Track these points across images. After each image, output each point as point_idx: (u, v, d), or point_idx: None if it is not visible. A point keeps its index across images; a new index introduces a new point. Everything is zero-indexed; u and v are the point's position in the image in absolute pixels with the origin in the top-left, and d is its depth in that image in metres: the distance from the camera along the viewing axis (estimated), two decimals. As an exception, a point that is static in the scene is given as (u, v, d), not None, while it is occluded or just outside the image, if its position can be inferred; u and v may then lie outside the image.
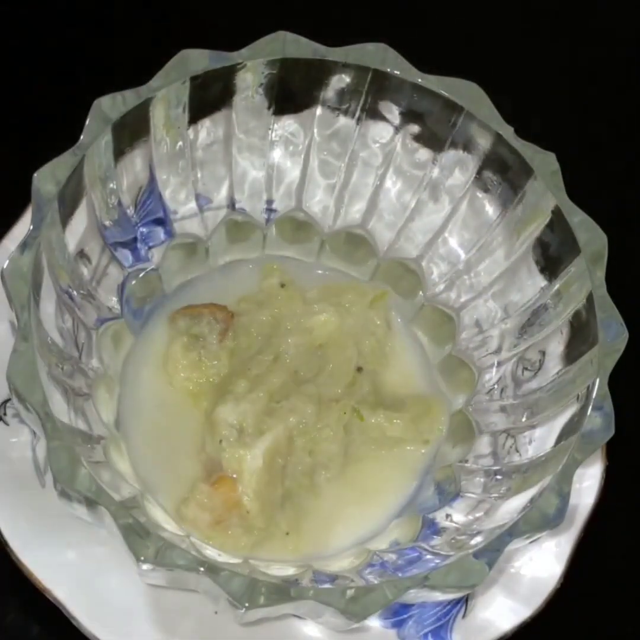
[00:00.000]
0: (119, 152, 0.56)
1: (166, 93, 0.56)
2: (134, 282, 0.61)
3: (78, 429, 0.52)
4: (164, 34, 0.79)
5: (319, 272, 0.67)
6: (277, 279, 0.64)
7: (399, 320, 0.65)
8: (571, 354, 0.55)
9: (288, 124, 0.62)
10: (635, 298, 0.62)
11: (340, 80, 0.59)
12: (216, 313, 0.61)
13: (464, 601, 0.56)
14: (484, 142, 0.59)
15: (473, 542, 0.51)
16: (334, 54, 0.58)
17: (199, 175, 0.62)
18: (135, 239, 0.61)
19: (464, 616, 0.56)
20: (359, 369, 0.62)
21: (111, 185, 0.57)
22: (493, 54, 0.83)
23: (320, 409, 0.59)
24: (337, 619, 0.47)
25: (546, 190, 0.56)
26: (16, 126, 0.74)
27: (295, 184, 0.64)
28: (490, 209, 0.61)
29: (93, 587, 0.54)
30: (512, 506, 0.51)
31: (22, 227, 0.58)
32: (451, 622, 0.55)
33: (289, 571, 0.54)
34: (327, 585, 0.53)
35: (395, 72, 0.58)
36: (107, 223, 0.58)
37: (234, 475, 0.56)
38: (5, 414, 0.57)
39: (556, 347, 0.57)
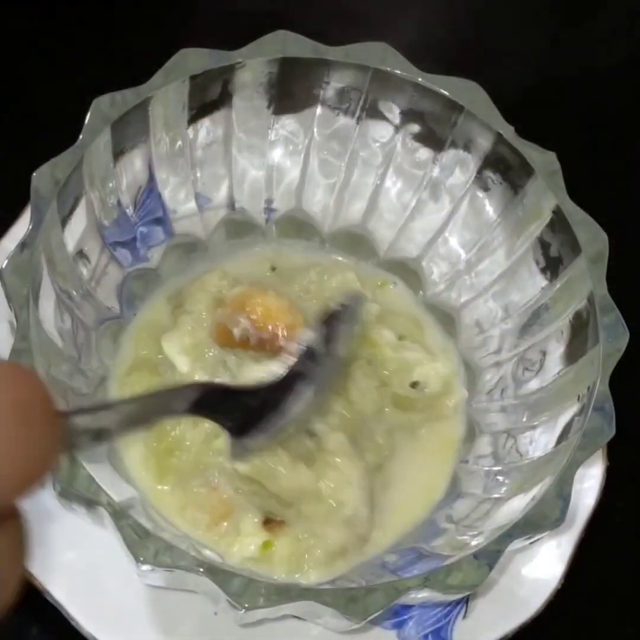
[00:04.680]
0: (118, 152, 0.56)
1: (165, 92, 0.56)
2: (133, 281, 0.61)
3: (77, 430, 0.51)
4: (164, 34, 0.79)
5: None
6: (269, 262, 0.64)
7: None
8: (572, 354, 0.55)
9: (288, 123, 0.62)
10: (636, 298, 0.61)
11: (340, 80, 0.59)
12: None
13: (465, 602, 0.56)
14: (484, 142, 0.59)
15: (474, 542, 0.50)
16: (334, 53, 0.58)
17: (198, 174, 0.62)
18: (134, 239, 0.61)
19: (464, 617, 0.55)
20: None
21: (110, 184, 0.57)
22: (493, 53, 0.83)
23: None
24: (337, 620, 0.47)
25: (547, 189, 0.56)
26: (15, 126, 0.73)
27: (295, 184, 0.64)
28: (490, 209, 0.61)
29: (92, 587, 0.54)
30: (513, 507, 0.51)
31: (21, 226, 0.58)
32: (452, 623, 0.55)
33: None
34: (327, 586, 0.53)
35: (396, 71, 0.58)
36: (106, 223, 0.58)
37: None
38: (4, 414, 0.57)
39: (557, 347, 0.57)
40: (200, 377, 0.58)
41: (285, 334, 0.58)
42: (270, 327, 0.58)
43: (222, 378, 0.57)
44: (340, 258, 0.66)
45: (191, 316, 0.60)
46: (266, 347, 0.58)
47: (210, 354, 0.59)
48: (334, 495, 0.54)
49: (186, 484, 0.57)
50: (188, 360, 0.58)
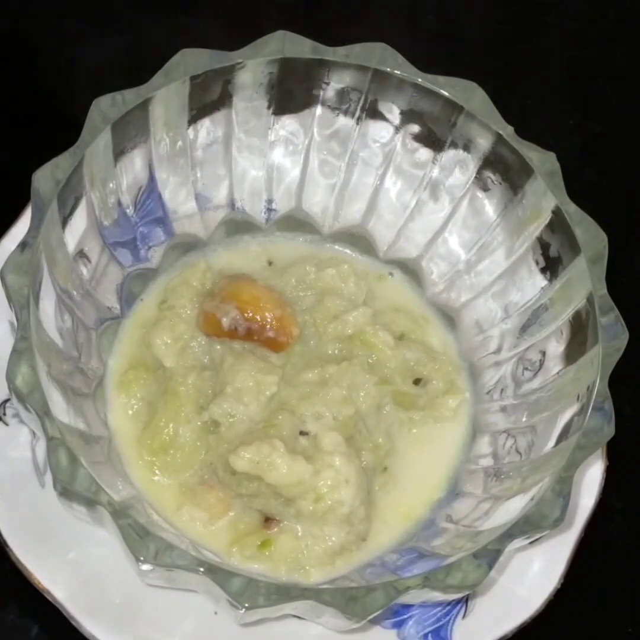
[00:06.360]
0: (119, 152, 0.56)
1: (166, 93, 0.56)
2: (133, 281, 0.61)
3: (77, 429, 0.51)
4: (164, 34, 0.79)
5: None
6: (266, 257, 0.65)
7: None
8: (571, 354, 0.55)
9: (288, 123, 0.62)
10: (635, 298, 0.62)
11: (340, 80, 0.59)
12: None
13: (464, 601, 0.56)
14: (484, 142, 0.59)
15: (473, 542, 0.50)
16: (334, 53, 0.58)
17: (198, 175, 0.62)
18: (134, 239, 0.61)
19: (464, 616, 0.56)
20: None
21: (111, 185, 0.57)
22: (493, 54, 0.83)
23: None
24: (337, 619, 0.47)
25: (546, 190, 0.56)
26: (15, 126, 0.74)
27: (295, 184, 0.64)
28: (490, 209, 0.61)
29: (92, 587, 0.54)
30: (513, 506, 0.51)
31: (22, 226, 0.58)
32: (451, 623, 0.55)
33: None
34: (327, 585, 0.53)
35: (395, 71, 0.58)
36: (106, 223, 0.58)
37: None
38: (4, 414, 0.57)
39: (556, 347, 0.57)
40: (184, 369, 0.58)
41: (274, 324, 0.59)
42: (258, 317, 0.59)
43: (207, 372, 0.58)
44: (337, 247, 0.66)
45: (173, 310, 0.60)
46: (254, 337, 0.59)
47: (196, 345, 0.59)
48: (331, 494, 0.54)
49: (183, 482, 0.57)
50: (171, 354, 0.59)
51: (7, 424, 0.57)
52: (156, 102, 0.56)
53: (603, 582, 0.63)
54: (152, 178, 0.60)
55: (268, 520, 0.56)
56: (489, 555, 0.47)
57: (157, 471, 0.57)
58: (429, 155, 0.62)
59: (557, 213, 0.56)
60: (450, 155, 0.61)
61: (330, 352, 0.60)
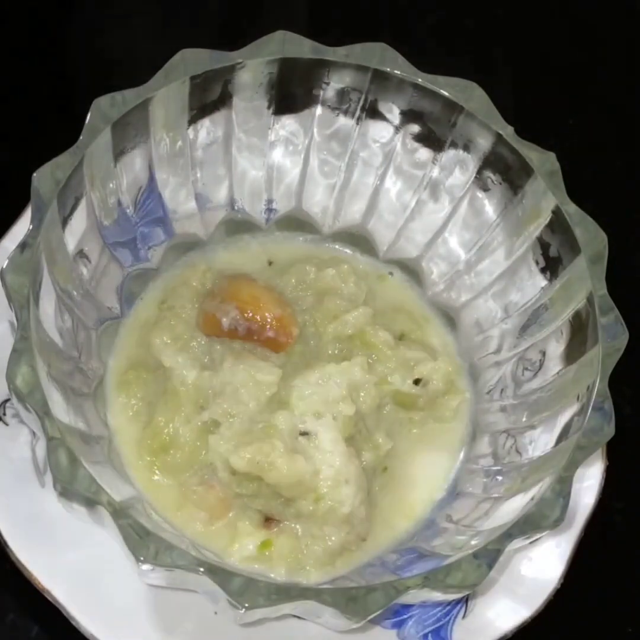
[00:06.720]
0: (119, 152, 0.56)
1: (166, 93, 0.56)
2: (133, 281, 0.61)
3: (77, 429, 0.51)
4: (164, 34, 0.79)
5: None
6: (266, 256, 0.65)
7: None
8: (571, 354, 0.55)
9: (288, 123, 0.62)
10: (635, 298, 0.62)
11: (340, 80, 0.59)
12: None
13: (464, 601, 0.56)
14: (484, 142, 0.59)
15: (473, 542, 0.51)
16: (334, 53, 0.58)
17: (198, 175, 0.62)
18: (134, 239, 0.61)
19: (464, 616, 0.56)
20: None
21: (111, 185, 0.57)
22: (493, 54, 0.83)
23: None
24: (337, 619, 0.47)
25: (546, 190, 0.56)
26: (16, 126, 0.74)
27: (295, 184, 0.64)
28: (490, 209, 0.61)
29: (92, 587, 0.54)
30: (513, 506, 0.51)
31: (22, 226, 0.58)
32: (451, 623, 0.55)
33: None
34: (327, 585, 0.53)
35: (395, 71, 0.58)
36: (106, 223, 0.58)
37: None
38: (4, 414, 0.57)
39: (556, 347, 0.57)
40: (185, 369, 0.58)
41: (274, 324, 0.59)
42: (258, 317, 0.59)
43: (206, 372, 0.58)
44: (337, 247, 0.66)
45: (173, 310, 0.60)
46: (254, 337, 0.59)
47: (196, 345, 0.59)
48: (331, 494, 0.54)
49: (183, 482, 0.57)
50: (170, 354, 0.59)
51: (7, 424, 0.57)
52: (156, 102, 0.56)
53: (603, 582, 0.63)
54: (152, 178, 0.60)
55: (268, 520, 0.56)
56: (489, 555, 0.47)
57: (157, 471, 0.57)
58: (429, 155, 0.62)
59: (557, 213, 0.56)
60: (450, 155, 0.61)
61: (330, 352, 0.60)
